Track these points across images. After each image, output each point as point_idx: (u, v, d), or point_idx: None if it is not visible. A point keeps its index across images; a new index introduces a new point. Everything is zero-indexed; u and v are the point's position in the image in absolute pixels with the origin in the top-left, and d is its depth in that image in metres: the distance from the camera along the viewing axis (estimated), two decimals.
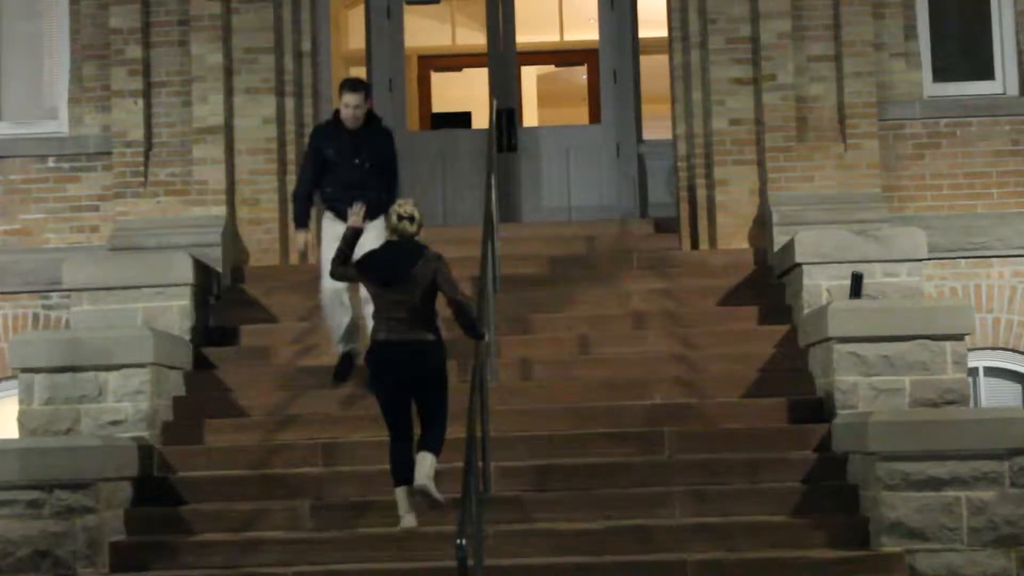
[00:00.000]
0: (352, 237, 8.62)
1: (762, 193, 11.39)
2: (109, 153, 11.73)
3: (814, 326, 9.50)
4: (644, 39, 13.33)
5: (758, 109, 11.40)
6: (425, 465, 8.15)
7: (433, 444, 8.24)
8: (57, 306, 11.69)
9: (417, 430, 8.38)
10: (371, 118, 9.95)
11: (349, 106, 9.77)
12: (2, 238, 12.00)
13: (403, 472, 8.27)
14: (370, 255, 8.53)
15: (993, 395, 11.64)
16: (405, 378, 8.28)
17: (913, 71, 11.88)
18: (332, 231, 9.61)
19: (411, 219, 8.45)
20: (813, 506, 8.51)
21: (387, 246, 8.59)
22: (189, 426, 9.60)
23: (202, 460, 9.25)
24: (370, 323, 8.81)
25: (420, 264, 8.31)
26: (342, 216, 9.27)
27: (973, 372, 11.24)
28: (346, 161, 9.81)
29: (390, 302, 8.32)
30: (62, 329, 11.35)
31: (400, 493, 8.31)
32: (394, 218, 8.49)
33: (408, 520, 8.28)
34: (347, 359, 9.84)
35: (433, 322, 8.40)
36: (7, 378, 11.51)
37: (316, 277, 10.12)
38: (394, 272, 8.32)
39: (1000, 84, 12.08)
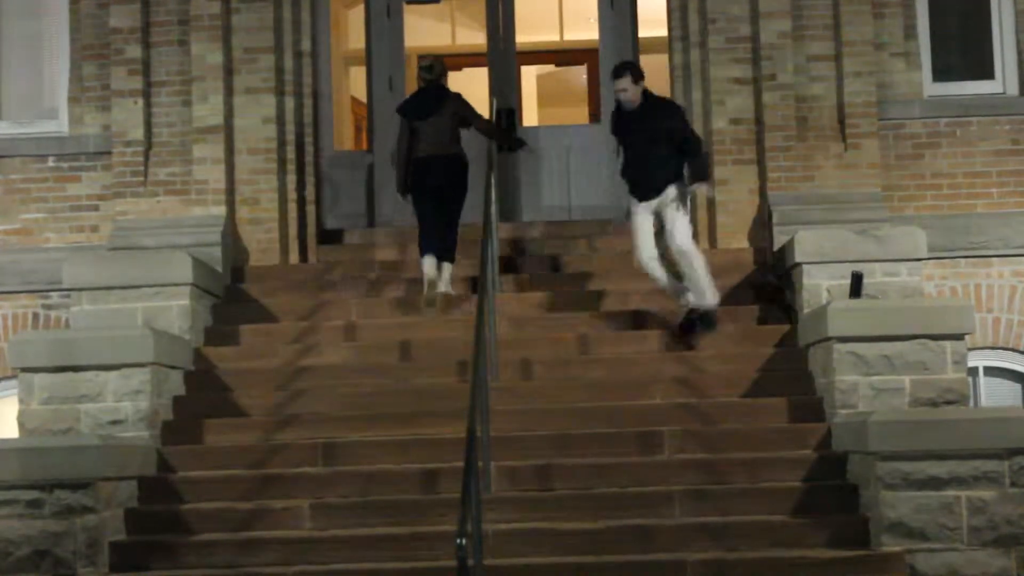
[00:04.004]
0: None
1: (762, 193, 11.40)
2: (109, 153, 11.73)
3: (814, 326, 9.50)
4: (644, 39, 13.33)
5: (758, 109, 11.40)
6: (445, 274, 10.83)
7: (450, 256, 10.92)
8: (57, 306, 11.70)
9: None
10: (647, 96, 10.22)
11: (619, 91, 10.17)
12: (2, 238, 12.00)
13: (431, 246, 10.84)
14: (406, 102, 11.22)
15: (993, 395, 11.64)
16: (437, 182, 10.88)
17: (913, 71, 11.88)
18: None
19: (428, 69, 11.08)
20: (813, 506, 8.50)
21: (417, 92, 11.19)
22: (189, 426, 9.60)
23: (202, 460, 9.25)
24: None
25: (445, 102, 10.94)
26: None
27: (973, 372, 11.24)
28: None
29: (428, 132, 10.90)
30: (62, 329, 11.35)
31: (427, 260, 10.78)
32: (417, 71, 11.18)
33: (431, 276, 10.72)
34: (691, 318, 10.15)
35: (459, 144, 11.04)
36: (7, 378, 11.51)
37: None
38: (427, 110, 10.94)
39: (1000, 84, 12.09)
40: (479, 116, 11.11)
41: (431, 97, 11.06)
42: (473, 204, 11.26)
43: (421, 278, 10.85)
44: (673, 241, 9.97)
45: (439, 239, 10.88)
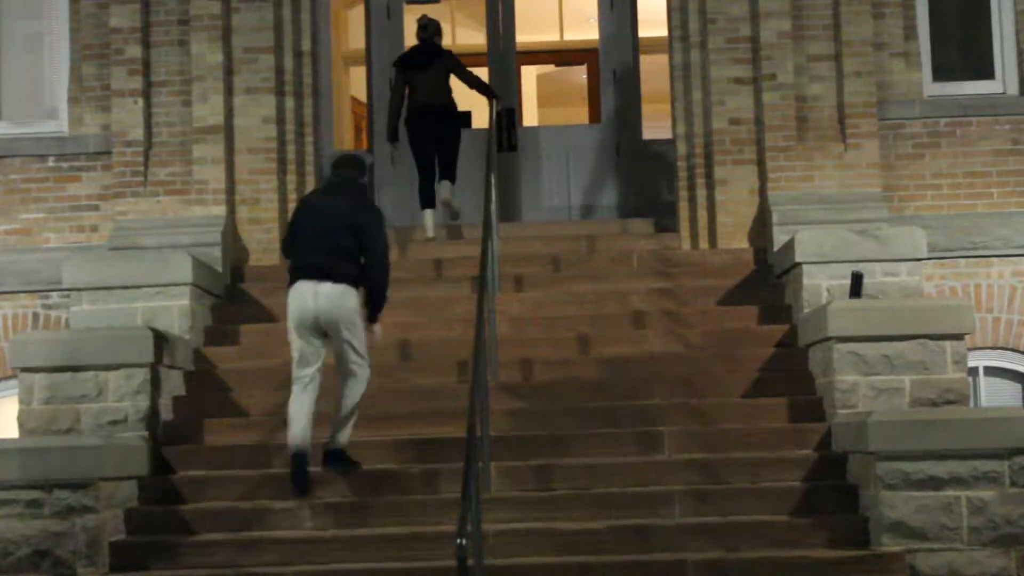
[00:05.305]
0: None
1: (762, 193, 11.39)
2: (109, 153, 11.73)
3: (814, 326, 9.50)
4: (644, 39, 13.34)
5: (758, 109, 11.40)
6: (445, 188, 11.83)
7: (450, 175, 11.86)
8: (57, 306, 11.70)
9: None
10: None
11: None
12: (2, 238, 12.00)
13: (429, 199, 11.89)
14: (403, 56, 12.20)
15: (993, 395, 11.64)
16: (432, 128, 11.84)
17: (913, 71, 11.88)
18: None
19: (423, 28, 12.05)
20: (813, 506, 8.50)
21: (413, 48, 12.15)
22: (189, 426, 9.60)
23: (202, 460, 9.25)
24: None
25: (438, 58, 11.94)
26: None
27: (973, 372, 11.24)
28: None
29: (423, 83, 11.89)
30: (62, 329, 11.35)
31: (427, 214, 11.84)
32: (417, 28, 12.10)
33: (431, 232, 11.82)
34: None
35: (451, 95, 11.99)
36: (7, 378, 11.51)
37: None
38: (421, 64, 11.97)
39: (1000, 84, 12.09)
40: (468, 72, 12.01)
41: (425, 53, 12.05)
42: (473, 204, 11.27)
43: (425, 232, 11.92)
44: None
45: (433, 187, 11.93)
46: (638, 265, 11.31)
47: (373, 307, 8.77)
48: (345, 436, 8.79)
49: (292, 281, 8.77)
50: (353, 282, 8.65)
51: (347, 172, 8.91)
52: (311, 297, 8.65)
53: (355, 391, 8.72)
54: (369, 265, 8.67)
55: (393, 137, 12.00)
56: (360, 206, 8.79)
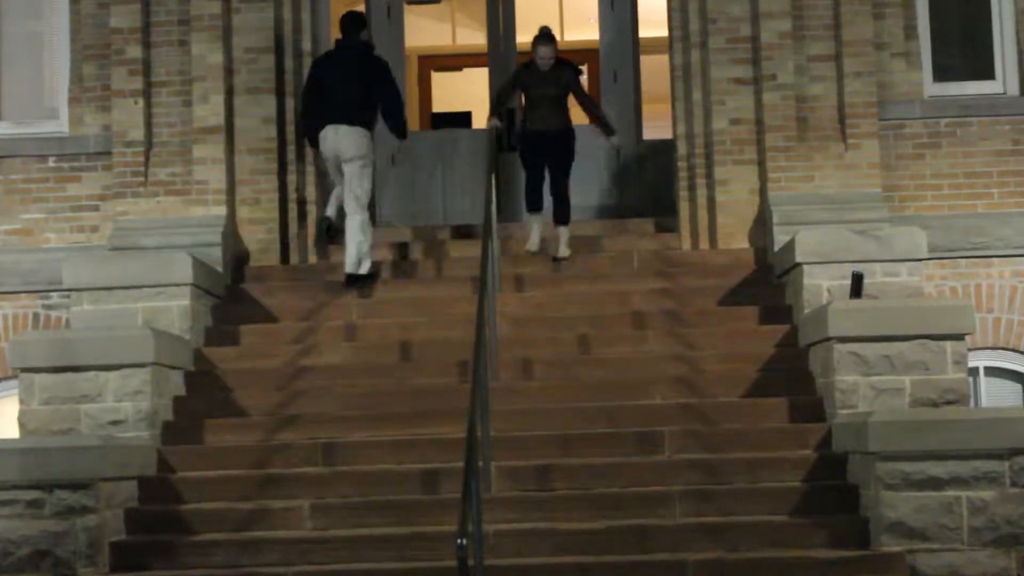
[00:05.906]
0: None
1: (762, 193, 11.40)
2: (109, 153, 11.73)
3: (814, 326, 9.50)
4: (644, 39, 13.34)
5: (758, 109, 11.40)
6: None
7: (565, 218, 11.51)
8: (57, 306, 11.70)
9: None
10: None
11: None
12: (2, 238, 12.00)
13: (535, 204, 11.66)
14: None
15: (993, 395, 11.64)
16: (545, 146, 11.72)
17: (913, 71, 11.88)
18: None
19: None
20: (813, 506, 8.50)
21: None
22: (189, 426, 9.60)
23: (202, 460, 9.25)
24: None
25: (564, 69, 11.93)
26: None
27: (973, 372, 11.24)
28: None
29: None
30: (62, 329, 11.35)
31: (533, 219, 11.64)
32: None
33: (534, 244, 11.50)
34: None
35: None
36: (7, 378, 11.51)
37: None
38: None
39: (1000, 84, 12.08)
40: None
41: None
42: (473, 204, 11.28)
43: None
44: None
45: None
46: (638, 265, 11.32)
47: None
48: (365, 266, 11.02)
49: (322, 125, 11.00)
50: (365, 125, 10.99)
51: (352, 31, 11.21)
52: (332, 136, 10.98)
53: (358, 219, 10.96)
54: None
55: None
56: (369, 59, 11.09)
